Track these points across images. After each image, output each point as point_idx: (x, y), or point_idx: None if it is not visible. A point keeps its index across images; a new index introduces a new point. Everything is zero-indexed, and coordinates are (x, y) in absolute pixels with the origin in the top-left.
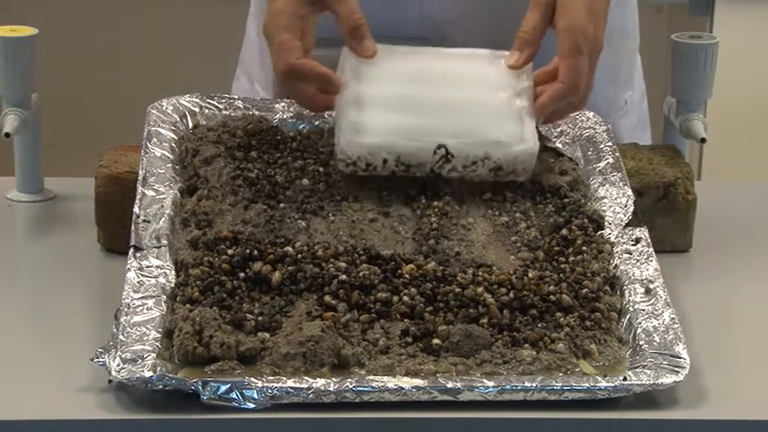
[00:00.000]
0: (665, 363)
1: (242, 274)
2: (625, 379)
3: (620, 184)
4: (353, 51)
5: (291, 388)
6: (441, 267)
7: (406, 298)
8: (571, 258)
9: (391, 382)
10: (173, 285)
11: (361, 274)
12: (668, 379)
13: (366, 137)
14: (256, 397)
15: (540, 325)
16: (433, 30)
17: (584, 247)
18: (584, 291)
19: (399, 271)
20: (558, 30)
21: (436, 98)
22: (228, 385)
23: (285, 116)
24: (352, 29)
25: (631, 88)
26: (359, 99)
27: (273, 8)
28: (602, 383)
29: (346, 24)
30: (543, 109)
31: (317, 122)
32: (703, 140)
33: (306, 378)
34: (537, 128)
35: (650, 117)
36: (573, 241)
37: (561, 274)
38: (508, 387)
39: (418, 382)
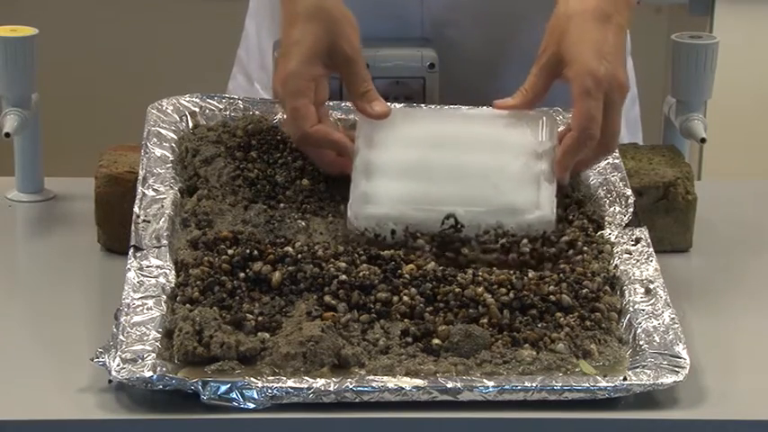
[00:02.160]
0: (665, 363)
1: (242, 274)
2: (625, 379)
3: (621, 184)
4: (363, 113)
5: (291, 388)
6: (441, 267)
7: (405, 298)
8: (571, 258)
9: (391, 382)
10: (173, 285)
11: (361, 274)
12: (668, 379)
13: (373, 207)
14: (256, 397)
15: (540, 325)
16: (434, 31)
17: (585, 248)
18: (584, 291)
19: (399, 271)
20: (569, 80)
21: (448, 164)
22: (228, 385)
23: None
24: (362, 94)
25: None
26: (369, 167)
27: (286, 69)
28: (602, 383)
29: (356, 90)
30: (562, 166)
31: None
32: (703, 140)
33: (306, 378)
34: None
35: (650, 117)
36: (573, 241)
37: (561, 275)
38: (508, 387)
39: (418, 382)
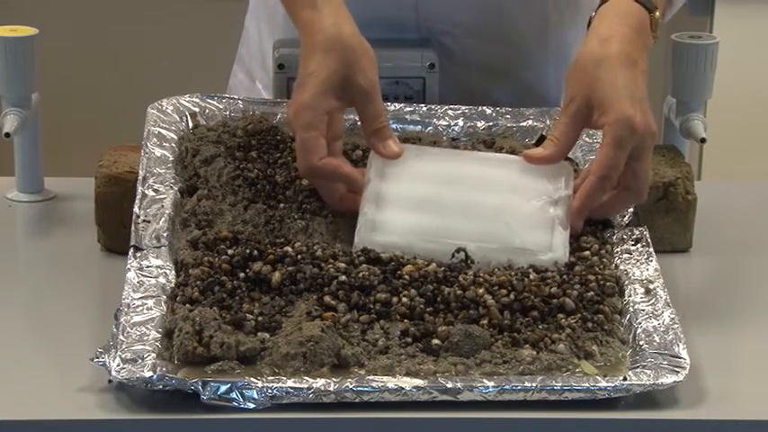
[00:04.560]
0: (665, 363)
1: (242, 274)
2: (625, 379)
3: None
4: (376, 151)
5: (291, 388)
6: (441, 269)
7: (405, 299)
8: (572, 259)
9: (391, 382)
10: (173, 285)
11: (360, 274)
12: (668, 379)
13: (381, 235)
14: (256, 397)
15: (540, 326)
16: (430, 35)
17: (586, 249)
18: (587, 293)
19: (399, 272)
20: (603, 125)
21: (461, 201)
22: (228, 385)
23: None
24: (375, 130)
25: None
26: (379, 197)
27: (299, 101)
28: (602, 383)
29: (370, 125)
30: (580, 211)
31: None
32: (703, 140)
33: (306, 378)
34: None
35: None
36: (574, 242)
37: (563, 276)
38: (508, 387)
39: (418, 382)
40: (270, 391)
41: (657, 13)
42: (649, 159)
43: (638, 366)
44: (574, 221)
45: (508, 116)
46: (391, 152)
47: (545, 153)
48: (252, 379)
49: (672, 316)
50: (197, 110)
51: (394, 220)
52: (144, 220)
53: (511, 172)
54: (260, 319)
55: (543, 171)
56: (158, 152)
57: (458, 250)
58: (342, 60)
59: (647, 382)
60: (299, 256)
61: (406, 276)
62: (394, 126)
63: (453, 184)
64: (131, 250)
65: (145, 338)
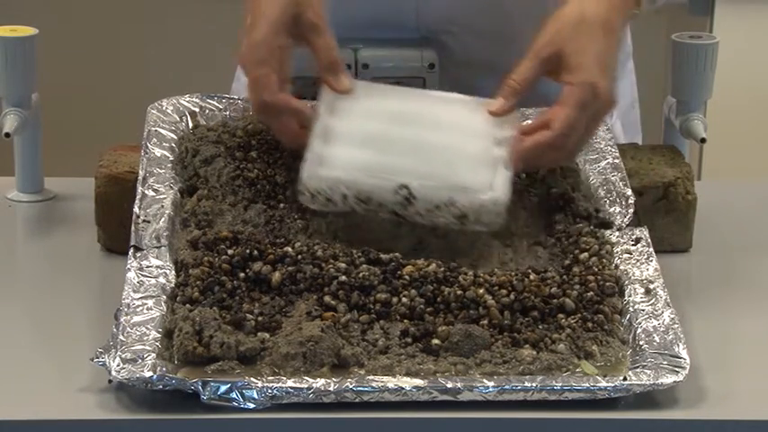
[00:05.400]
0: (665, 363)
1: (242, 274)
2: (625, 379)
3: (620, 184)
4: (328, 86)
5: (291, 388)
6: (441, 269)
7: (405, 299)
8: (573, 259)
9: (391, 382)
10: (173, 285)
11: (360, 274)
12: (668, 379)
13: (327, 170)
14: (256, 397)
15: (540, 326)
16: (430, 34)
17: (586, 250)
18: (587, 293)
19: (399, 272)
20: (567, 84)
21: (407, 139)
22: (228, 385)
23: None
24: (328, 63)
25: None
26: (328, 133)
27: (251, 39)
28: (602, 383)
29: (323, 59)
30: (525, 154)
31: None
32: (703, 140)
33: (306, 378)
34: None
35: (650, 117)
36: (574, 242)
37: (563, 276)
38: (508, 387)
39: (418, 382)
40: (270, 391)
41: None
42: (597, 127)
43: (638, 366)
44: (516, 165)
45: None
46: (342, 86)
47: (506, 106)
48: (252, 379)
49: (672, 316)
50: (197, 110)
51: (340, 156)
52: (144, 220)
53: (458, 111)
54: (260, 319)
55: (487, 111)
56: (158, 152)
57: (400, 187)
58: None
59: (647, 382)
60: (299, 256)
61: (406, 276)
62: None
63: (401, 122)
64: (131, 250)
65: (145, 338)
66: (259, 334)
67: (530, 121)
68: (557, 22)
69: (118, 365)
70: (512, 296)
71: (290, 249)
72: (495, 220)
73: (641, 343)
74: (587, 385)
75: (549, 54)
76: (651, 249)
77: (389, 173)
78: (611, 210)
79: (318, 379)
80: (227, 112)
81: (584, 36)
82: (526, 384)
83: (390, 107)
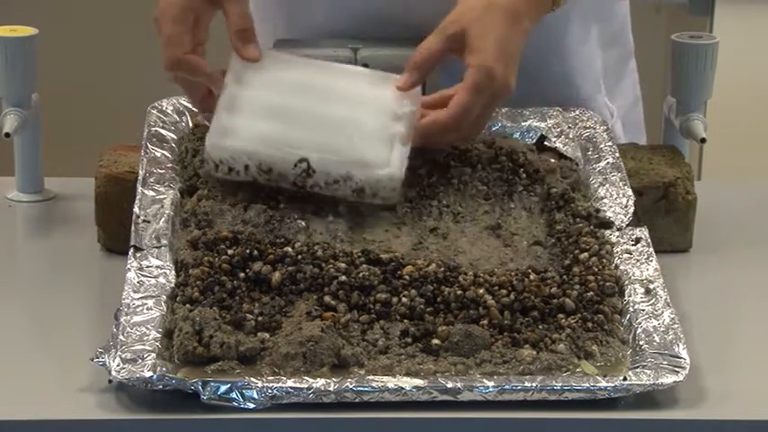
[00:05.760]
0: (665, 363)
1: (242, 274)
2: (625, 379)
3: (620, 184)
4: (237, 52)
5: (291, 388)
6: (441, 269)
7: (405, 299)
8: (573, 259)
9: (391, 382)
10: (173, 285)
11: (360, 275)
12: (668, 379)
13: (230, 140)
14: (256, 397)
15: (540, 326)
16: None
17: (586, 250)
18: (587, 293)
19: (399, 272)
20: (467, 65)
21: (310, 111)
22: (228, 385)
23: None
24: (239, 30)
25: (615, 96)
26: (233, 103)
27: None
28: (602, 383)
29: (234, 25)
30: (422, 131)
31: None
32: (703, 140)
33: (306, 378)
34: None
35: (650, 117)
36: (574, 242)
37: (563, 276)
38: (508, 387)
39: (418, 382)
40: (270, 391)
41: None
42: (491, 112)
43: (638, 366)
44: (413, 142)
45: (507, 116)
46: (250, 55)
47: (411, 80)
48: (252, 379)
49: (672, 316)
50: (197, 110)
51: (243, 127)
52: (144, 220)
53: (361, 85)
54: (260, 319)
55: (391, 86)
56: (158, 152)
57: (300, 160)
58: None
59: (647, 382)
60: (299, 256)
61: (406, 276)
62: None
63: (305, 94)
64: (131, 250)
65: (145, 338)
66: (259, 334)
67: (432, 96)
68: (467, 3)
69: (118, 365)
70: (512, 296)
71: (290, 249)
72: (392, 195)
73: (641, 343)
74: (587, 385)
75: (453, 32)
76: (651, 249)
77: (290, 145)
78: (611, 210)
79: (318, 379)
80: None
81: (489, 20)
82: (526, 384)
83: (296, 79)
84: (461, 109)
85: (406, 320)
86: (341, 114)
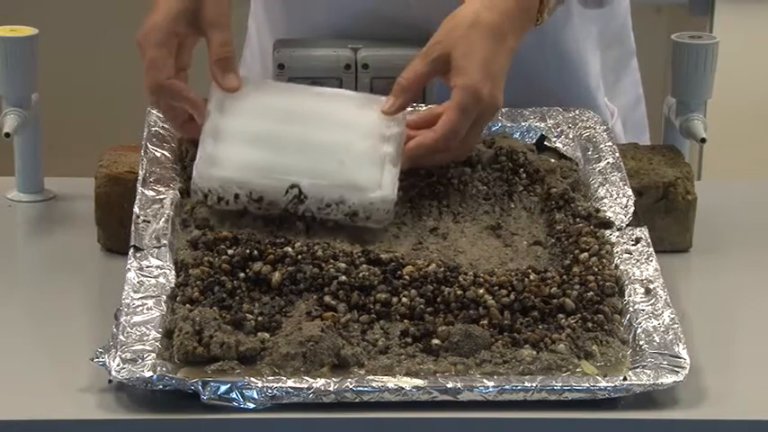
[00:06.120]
0: (665, 363)
1: (242, 274)
2: (625, 379)
3: (620, 184)
4: (216, 82)
5: (291, 388)
6: (441, 269)
7: (405, 299)
8: (572, 259)
9: (391, 382)
10: (173, 285)
11: (360, 274)
12: (668, 379)
13: (218, 170)
14: (256, 397)
15: (540, 326)
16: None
17: (586, 250)
18: (587, 293)
19: (399, 272)
20: (452, 86)
21: (297, 137)
22: (228, 385)
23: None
24: (219, 60)
25: (615, 95)
26: (217, 131)
27: (150, 22)
28: (602, 383)
29: (214, 54)
30: (409, 154)
31: None
32: (703, 140)
33: (306, 378)
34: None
35: (650, 117)
36: (574, 242)
37: (563, 276)
38: (508, 387)
39: (418, 382)
40: (270, 391)
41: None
42: (481, 131)
43: (638, 366)
44: (403, 164)
45: (507, 116)
46: (230, 85)
47: (397, 104)
48: (252, 379)
49: (672, 316)
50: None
51: (231, 156)
52: (144, 220)
53: (346, 108)
54: (260, 319)
55: (376, 107)
56: (158, 152)
57: (291, 186)
58: None
59: (647, 382)
60: (299, 256)
61: (406, 276)
62: None
63: (290, 120)
64: (131, 250)
65: (145, 338)
66: (259, 334)
67: (418, 113)
68: (450, 23)
69: (118, 365)
70: (512, 296)
71: (290, 249)
72: (385, 217)
73: (641, 343)
74: (587, 385)
75: (438, 54)
76: (651, 249)
77: (280, 172)
78: (611, 210)
79: (318, 379)
80: None
81: (474, 39)
82: (526, 384)
83: (280, 105)
84: (449, 130)
85: (406, 320)
86: (328, 138)
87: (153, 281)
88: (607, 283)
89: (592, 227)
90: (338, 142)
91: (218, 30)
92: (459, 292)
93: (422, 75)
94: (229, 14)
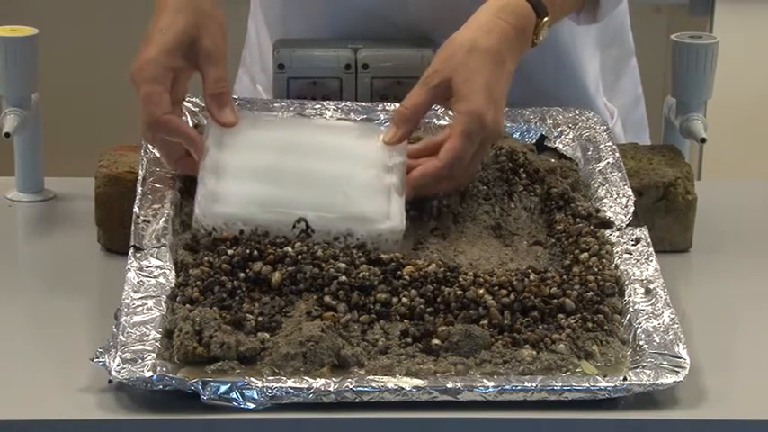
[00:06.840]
0: (665, 363)
1: (242, 275)
2: (625, 379)
3: (620, 184)
4: (212, 116)
5: (291, 388)
6: (441, 269)
7: (405, 299)
8: (572, 259)
9: (391, 382)
10: (173, 285)
11: (360, 274)
12: (668, 379)
13: (222, 207)
14: (256, 397)
15: (540, 326)
16: (418, 32)
17: (586, 250)
18: (587, 293)
19: (399, 272)
20: (455, 112)
21: (300, 170)
22: (228, 385)
23: (285, 116)
24: (214, 95)
25: (614, 95)
26: (218, 167)
27: (144, 56)
28: (602, 383)
29: (209, 89)
30: (414, 184)
31: None
32: (703, 140)
33: (306, 378)
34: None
35: (650, 117)
36: (574, 242)
37: (563, 276)
38: (508, 387)
39: (418, 382)
40: (270, 391)
41: (546, 20)
42: (482, 156)
43: (638, 366)
44: (408, 193)
45: (507, 116)
46: (226, 120)
47: (398, 134)
48: (252, 379)
49: (672, 316)
50: (197, 110)
51: (234, 192)
52: (144, 220)
53: (346, 139)
54: (260, 319)
55: (377, 138)
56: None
57: (298, 220)
58: (191, 22)
59: (647, 382)
60: (299, 256)
61: (406, 276)
62: None
63: (290, 153)
64: (131, 250)
65: (145, 338)
66: (259, 334)
67: (418, 145)
68: (448, 49)
69: (118, 365)
70: (512, 296)
71: (290, 249)
72: (393, 248)
73: (641, 343)
74: (587, 385)
75: (438, 82)
76: (651, 249)
77: (285, 206)
78: (611, 210)
79: (318, 379)
80: None
81: (473, 65)
82: (526, 384)
83: (278, 138)
84: (453, 157)
85: (406, 320)
86: (331, 170)
87: (153, 281)
88: (607, 283)
89: (592, 227)
90: (340, 174)
91: (213, 65)
92: (459, 292)
93: (422, 103)
94: (224, 49)
